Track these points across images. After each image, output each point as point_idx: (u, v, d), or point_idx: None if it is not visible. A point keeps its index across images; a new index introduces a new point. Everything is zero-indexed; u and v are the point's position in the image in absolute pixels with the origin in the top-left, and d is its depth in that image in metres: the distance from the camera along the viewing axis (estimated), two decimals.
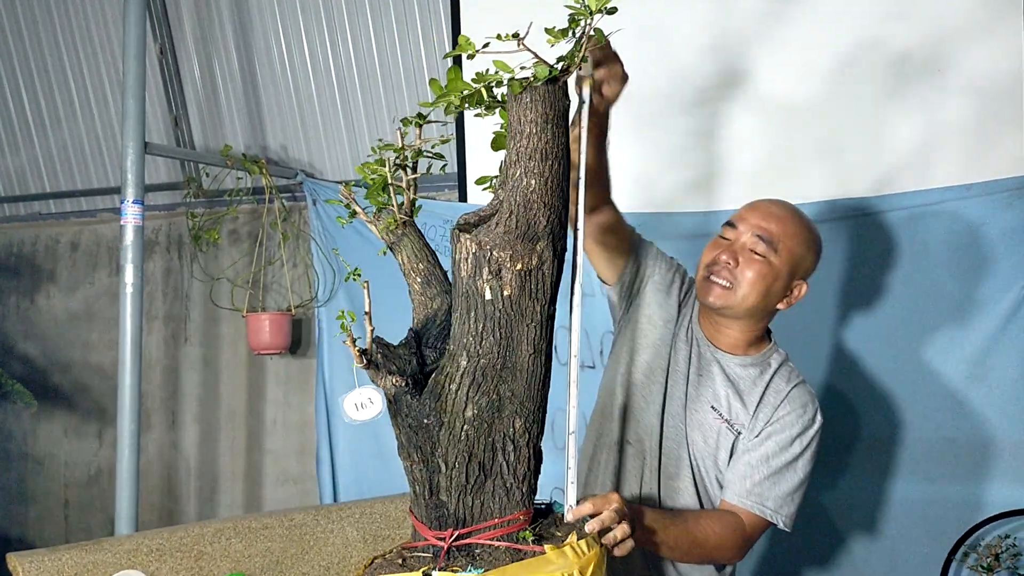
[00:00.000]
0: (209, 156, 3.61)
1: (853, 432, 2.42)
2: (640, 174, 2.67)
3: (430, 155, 1.35)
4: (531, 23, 1.19)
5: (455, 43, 2.98)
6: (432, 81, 1.31)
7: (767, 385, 1.77)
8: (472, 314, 1.31)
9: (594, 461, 1.89)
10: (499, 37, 1.19)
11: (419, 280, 1.39)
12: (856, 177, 2.46)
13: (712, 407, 1.78)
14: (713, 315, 1.81)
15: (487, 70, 1.29)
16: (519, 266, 1.30)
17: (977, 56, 2.32)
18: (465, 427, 1.33)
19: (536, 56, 1.23)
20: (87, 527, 4.30)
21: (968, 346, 2.29)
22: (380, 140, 1.45)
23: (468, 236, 1.31)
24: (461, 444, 1.33)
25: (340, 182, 3.50)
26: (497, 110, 1.35)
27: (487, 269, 1.30)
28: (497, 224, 1.30)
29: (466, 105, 1.30)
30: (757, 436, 1.73)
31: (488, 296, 1.30)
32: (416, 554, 1.38)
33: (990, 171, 2.29)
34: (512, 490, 1.37)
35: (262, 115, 3.68)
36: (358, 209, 1.40)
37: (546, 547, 1.34)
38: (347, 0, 3.35)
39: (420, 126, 1.32)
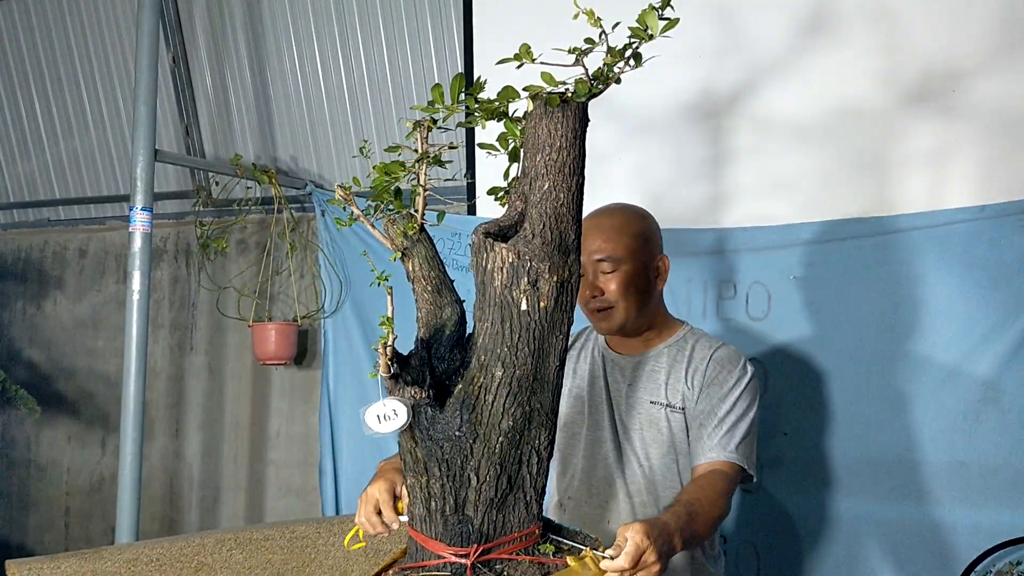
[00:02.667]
0: (219, 165, 3.61)
1: (862, 454, 2.39)
2: (648, 189, 2.67)
3: (443, 162, 1.33)
4: (598, 39, 1.19)
5: (467, 57, 3.00)
6: (436, 87, 1.29)
7: (689, 357, 1.88)
8: (507, 325, 1.30)
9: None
10: (570, 51, 1.21)
11: (429, 288, 1.37)
12: (869, 196, 2.45)
13: (651, 402, 1.89)
14: (616, 336, 1.96)
15: (482, 79, 1.28)
16: (555, 278, 1.30)
17: (992, 76, 2.31)
18: (500, 439, 1.32)
19: (586, 72, 1.24)
20: (87, 535, 4.28)
21: (981, 368, 2.27)
22: (365, 141, 1.44)
23: (504, 246, 1.29)
24: (495, 457, 1.32)
25: (343, 187, 3.49)
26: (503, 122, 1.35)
27: (525, 279, 1.29)
28: (533, 236, 1.30)
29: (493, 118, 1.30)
30: (697, 401, 1.84)
31: (524, 307, 1.29)
32: (430, 574, 1.35)
33: (1005, 192, 2.27)
34: (531, 503, 1.37)
35: (272, 125, 3.69)
36: (357, 211, 1.36)
37: (568, 559, 1.33)
38: (359, 12, 3.36)
39: (430, 129, 1.31)
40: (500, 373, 1.31)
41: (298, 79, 3.58)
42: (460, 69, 3.12)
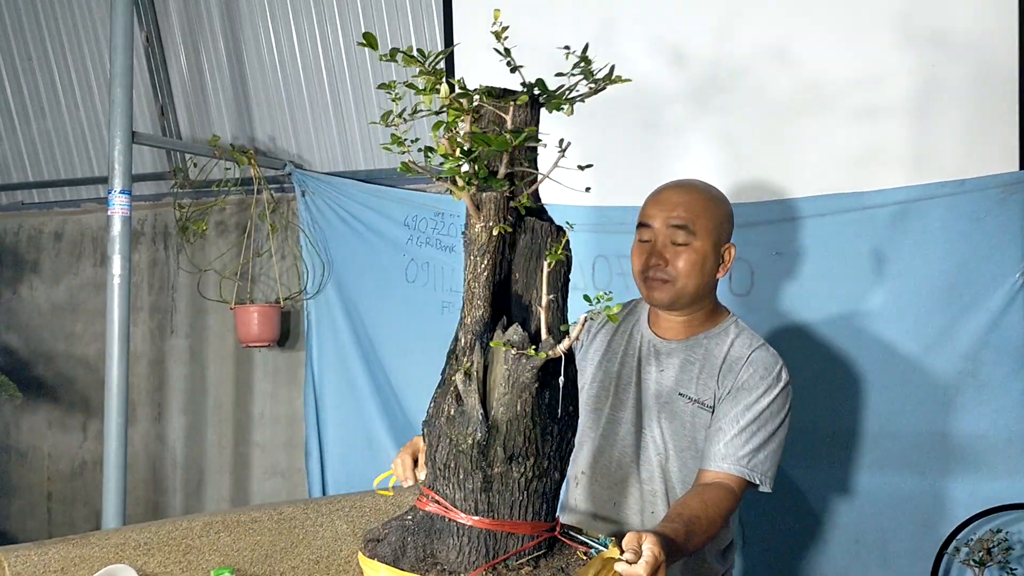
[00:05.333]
0: (197, 146, 3.57)
1: (845, 426, 2.42)
2: (627, 164, 2.67)
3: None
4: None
5: (447, 34, 2.97)
6: (366, 34, 1.25)
7: (726, 353, 1.81)
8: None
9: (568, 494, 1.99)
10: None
11: (494, 269, 1.32)
12: (850, 171, 2.46)
13: (680, 394, 1.82)
14: (663, 310, 1.87)
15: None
16: None
17: (972, 52, 2.32)
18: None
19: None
20: (70, 521, 4.26)
21: (960, 341, 2.30)
22: (394, 83, 1.34)
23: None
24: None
25: (330, 173, 3.48)
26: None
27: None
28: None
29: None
30: (723, 401, 1.77)
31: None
32: (523, 560, 1.32)
33: (984, 167, 2.30)
34: None
35: (250, 105, 3.65)
36: (459, 180, 1.24)
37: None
38: None
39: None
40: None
41: (275, 57, 3.53)
42: (440, 45, 3.10)
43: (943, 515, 2.28)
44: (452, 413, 1.27)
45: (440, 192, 3.27)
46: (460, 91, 1.24)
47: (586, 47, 1.25)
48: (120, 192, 2.79)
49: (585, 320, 1.20)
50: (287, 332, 3.67)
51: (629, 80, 1.26)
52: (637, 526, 1.82)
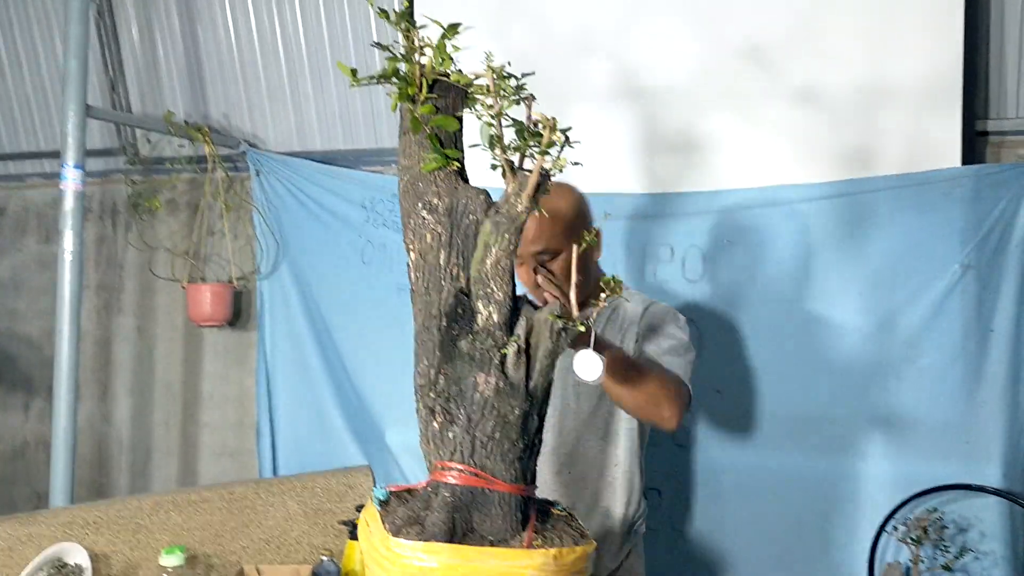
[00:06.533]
0: (151, 122, 3.51)
1: (790, 410, 2.49)
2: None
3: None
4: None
5: (411, 10, 2.96)
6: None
7: (622, 317, 1.97)
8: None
9: None
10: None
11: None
12: (800, 163, 2.52)
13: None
14: None
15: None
16: None
17: (918, 51, 2.39)
18: None
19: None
20: (11, 501, 4.17)
21: (902, 329, 2.38)
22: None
23: None
24: None
25: (286, 153, 3.45)
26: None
27: None
28: None
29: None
30: (645, 342, 1.92)
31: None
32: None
33: (928, 162, 2.37)
34: None
35: (204, 81, 3.59)
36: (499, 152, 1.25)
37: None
38: None
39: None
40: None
41: (230, 32, 3.48)
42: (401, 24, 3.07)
43: (882, 496, 2.36)
44: (502, 386, 1.29)
45: (395, 175, 3.25)
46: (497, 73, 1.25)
47: (442, 42, 1.24)
48: (74, 166, 2.74)
49: (606, 297, 1.28)
50: (238, 312, 3.64)
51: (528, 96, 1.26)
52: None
